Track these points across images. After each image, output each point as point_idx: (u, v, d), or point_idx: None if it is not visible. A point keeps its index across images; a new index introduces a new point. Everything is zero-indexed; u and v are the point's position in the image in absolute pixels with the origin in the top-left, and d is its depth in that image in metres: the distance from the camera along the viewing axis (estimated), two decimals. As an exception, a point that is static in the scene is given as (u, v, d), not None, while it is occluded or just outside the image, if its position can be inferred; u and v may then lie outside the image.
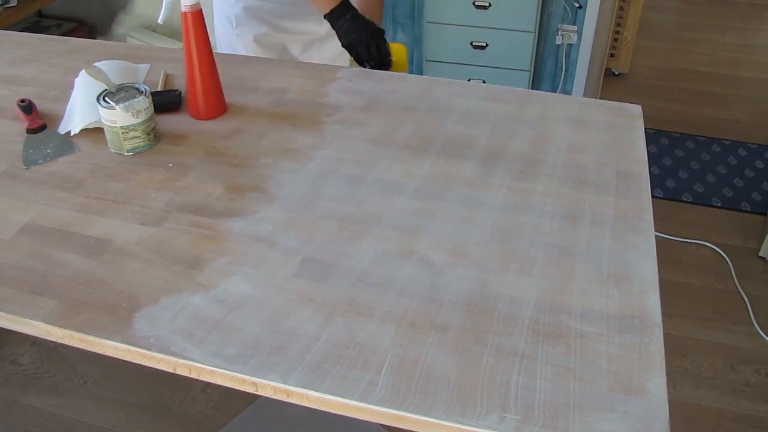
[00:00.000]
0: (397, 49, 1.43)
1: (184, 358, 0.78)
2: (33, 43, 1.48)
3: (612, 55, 3.22)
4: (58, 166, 1.10)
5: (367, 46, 1.35)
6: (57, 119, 1.22)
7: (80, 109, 1.19)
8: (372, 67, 1.38)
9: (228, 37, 1.61)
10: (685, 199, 2.51)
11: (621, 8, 3.07)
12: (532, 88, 2.63)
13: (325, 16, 1.36)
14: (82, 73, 1.27)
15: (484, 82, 2.68)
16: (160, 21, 1.55)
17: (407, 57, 1.47)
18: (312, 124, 1.20)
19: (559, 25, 2.69)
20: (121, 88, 1.13)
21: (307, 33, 1.56)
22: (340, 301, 0.85)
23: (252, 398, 1.74)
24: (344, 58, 1.56)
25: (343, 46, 1.37)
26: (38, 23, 2.98)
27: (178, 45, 2.65)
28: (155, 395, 1.79)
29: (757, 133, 2.89)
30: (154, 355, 0.79)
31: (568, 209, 1.00)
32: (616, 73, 3.31)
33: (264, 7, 1.54)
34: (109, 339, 0.81)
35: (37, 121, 1.19)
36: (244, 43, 1.58)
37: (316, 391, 0.74)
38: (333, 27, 1.37)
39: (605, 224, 0.97)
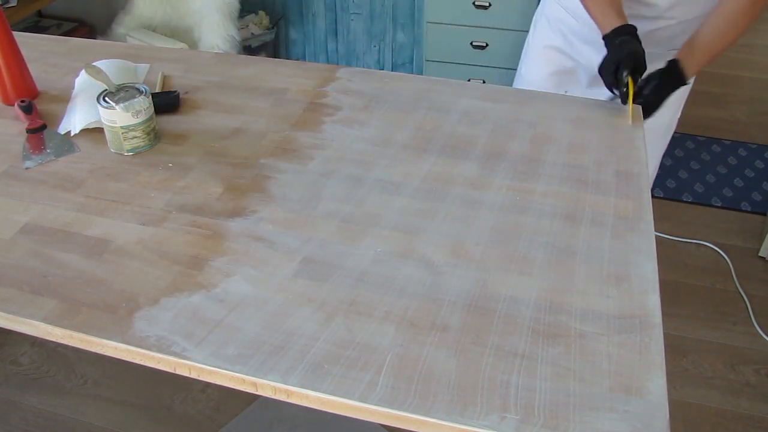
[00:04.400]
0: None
1: (184, 358, 0.78)
2: (33, 43, 1.48)
3: (612, 55, 3.22)
4: (58, 166, 1.10)
5: (615, 72, 1.18)
6: (57, 119, 1.22)
7: (80, 109, 1.19)
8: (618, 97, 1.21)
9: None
10: (685, 199, 2.51)
11: (621, 8, 3.07)
12: (532, 88, 2.62)
13: (603, 38, 1.23)
14: (82, 73, 1.27)
15: (484, 82, 2.68)
16: None
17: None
18: (312, 124, 1.20)
19: (559, 25, 2.68)
20: (121, 88, 1.13)
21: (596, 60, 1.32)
22: (340, 301, 0.85)
23: (252, 398, 1.74)
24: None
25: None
26: (38, 23, 2.98)
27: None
28: (155, 395, 1.79)
29: (757, 133, 2.89)
30: (154, 355, 0.79)
31: (568, 209, 1.00)
32: (616, 73, 3.31)
33: (564, 20, 1.47)
34: (109, 339, 0.81)
35: (37, 121, 1.19)
36: (535, 46, 1.59)
37: (316, 391, 0.74)
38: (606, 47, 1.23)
39: (605, 224, 0.97)
